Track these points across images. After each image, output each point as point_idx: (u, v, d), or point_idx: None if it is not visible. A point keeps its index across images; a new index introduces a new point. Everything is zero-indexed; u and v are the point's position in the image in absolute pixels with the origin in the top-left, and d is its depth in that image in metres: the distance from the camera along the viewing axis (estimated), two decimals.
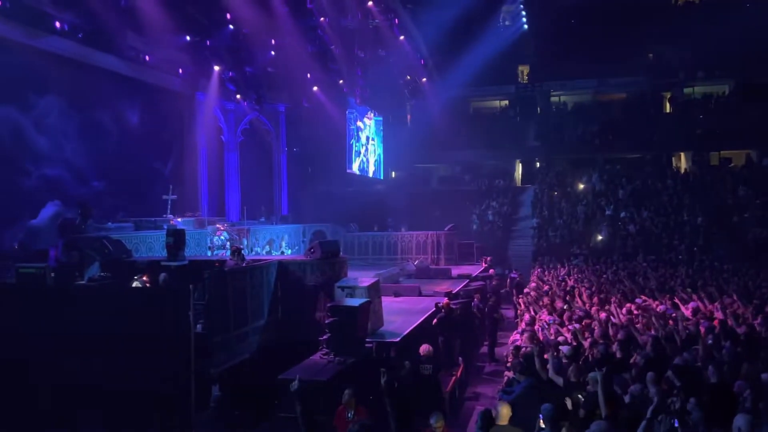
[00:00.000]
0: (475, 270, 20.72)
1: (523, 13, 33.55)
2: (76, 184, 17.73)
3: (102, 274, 11.06)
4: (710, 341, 8.08)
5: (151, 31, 18.65)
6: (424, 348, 9.10)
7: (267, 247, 20.11)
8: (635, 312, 10.81)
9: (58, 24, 16.55)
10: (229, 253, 14.40)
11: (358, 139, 30.56)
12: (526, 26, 33.69)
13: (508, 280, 20.06)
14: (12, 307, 8.08)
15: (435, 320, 11.95)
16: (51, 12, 16.42)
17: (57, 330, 7.72)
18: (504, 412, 6.00)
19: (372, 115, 32.29)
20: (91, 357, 7.52)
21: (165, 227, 15.48)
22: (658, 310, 10.86)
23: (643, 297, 12.68)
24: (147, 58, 19.90)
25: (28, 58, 16.17)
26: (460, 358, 11.65)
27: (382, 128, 33.67)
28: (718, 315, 10.15)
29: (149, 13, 17.94)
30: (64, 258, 11.84)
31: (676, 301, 11.71)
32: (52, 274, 9.87)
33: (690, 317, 10.10)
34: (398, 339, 10.47)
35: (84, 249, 11.95)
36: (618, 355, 7.92)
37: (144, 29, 18.48)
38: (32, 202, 16.08)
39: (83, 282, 10.82)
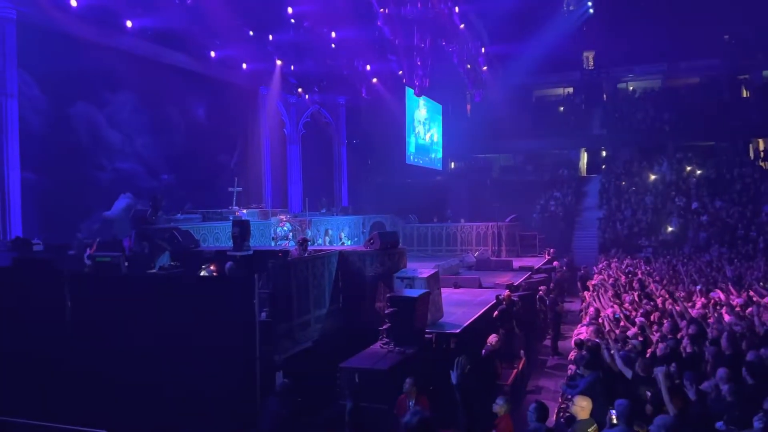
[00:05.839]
0: (537, 262, 20.34)
1: None
2: (147, 177, 18.52)
3: (172, 263, 11.51)
4: None
5: (216, 28, 19.17)
6: (492, 338, 9.09)
7: (327, 238, 20.37)
8: (708, 306, 10.35)
9: (129, 23, 17.22)
10: (292, 243, 14.70)
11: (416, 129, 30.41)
12: (591, 10, 32.57)
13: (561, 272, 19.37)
14: (89, 294, 8.52)
15: (496, 312, 11.82)
16: (123, 12, 17.11)
17: (129, 314, 8.09)
18: (584, 405, 5.63)
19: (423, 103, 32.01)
20: (160, 337, 7.86)
21: (231, 218, 15.92)
22: (733, 304, 10.35)
23: (718, 291, 12.11)
24: (212, 54, 20.47)
25: (102, 56, 16.95)
26: (522, 351, 11.49)
27: (441, 117, 33.33)
28: None
29: (213, 10, 18.42)
30: (137, 248, 12.36)
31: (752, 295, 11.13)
32: (126, 263, 10.33)
33: None
34: (458, 330, 10.41)
35: (155, 239, 12.46)
36: (688, 350, 7.61)
37: (209, 26, 19.00)
38: (106, 194, 16.88)
39: (154, 271, 11.28)
